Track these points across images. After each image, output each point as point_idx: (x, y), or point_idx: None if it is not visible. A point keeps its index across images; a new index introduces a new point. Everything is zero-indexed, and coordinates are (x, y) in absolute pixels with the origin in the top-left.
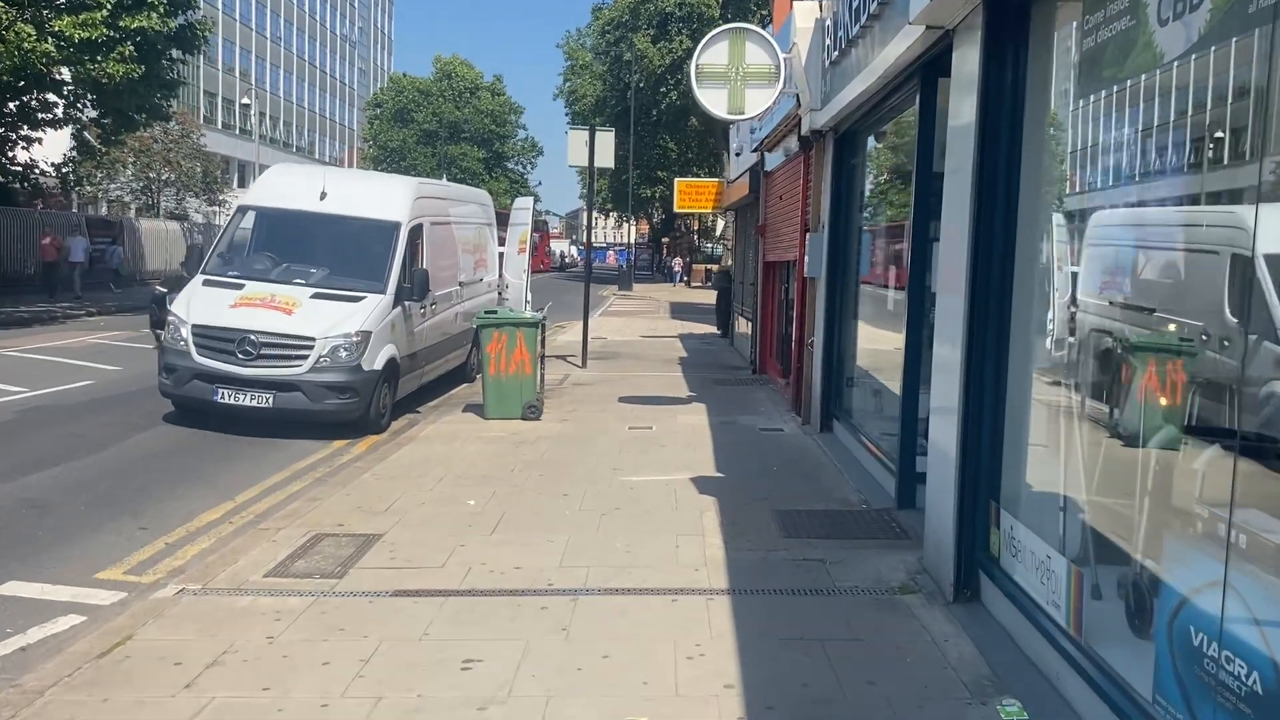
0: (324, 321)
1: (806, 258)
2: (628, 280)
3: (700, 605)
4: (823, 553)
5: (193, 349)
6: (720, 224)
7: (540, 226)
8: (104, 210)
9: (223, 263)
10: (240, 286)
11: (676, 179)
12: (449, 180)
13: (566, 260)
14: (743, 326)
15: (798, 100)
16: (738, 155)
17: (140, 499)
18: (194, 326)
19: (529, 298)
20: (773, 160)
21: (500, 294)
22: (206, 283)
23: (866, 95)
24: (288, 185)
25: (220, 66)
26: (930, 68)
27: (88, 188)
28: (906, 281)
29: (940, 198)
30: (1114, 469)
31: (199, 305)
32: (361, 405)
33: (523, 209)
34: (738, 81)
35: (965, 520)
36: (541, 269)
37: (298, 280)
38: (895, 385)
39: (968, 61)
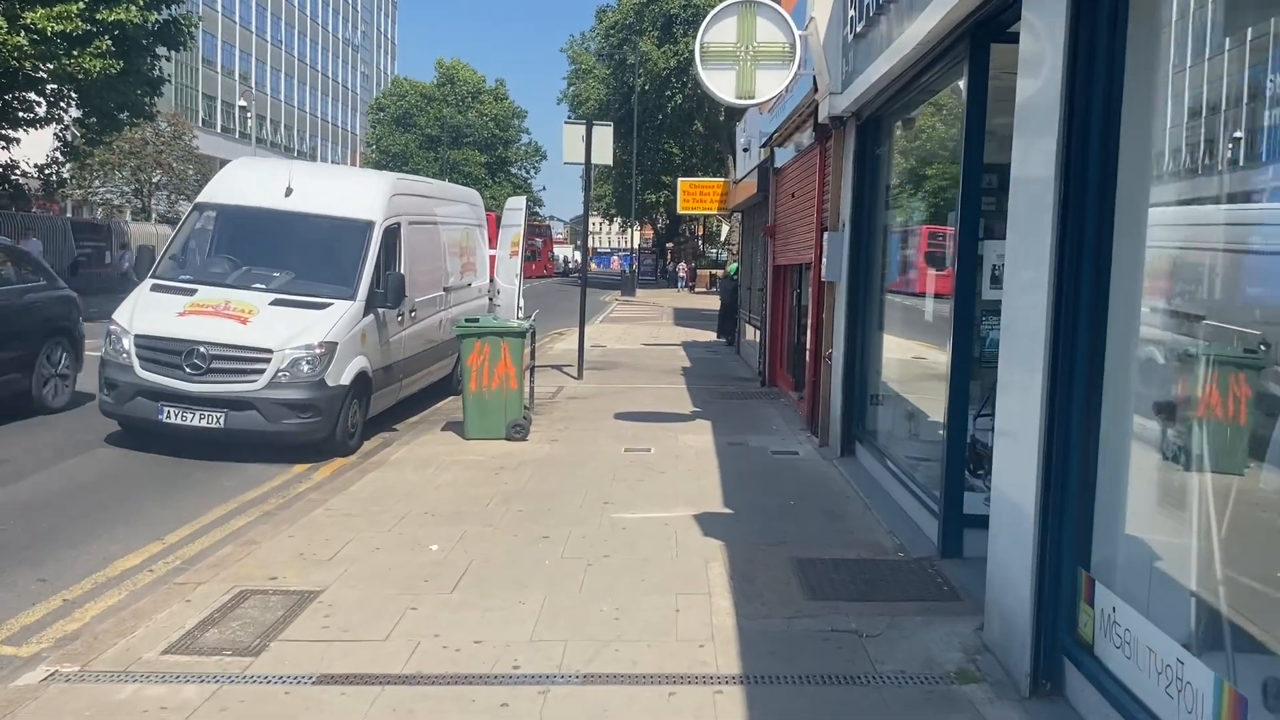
0: (284, 331)
1: (824, 260)
2: (631, 286)
3: (705, 701)
4: (857, 621)
5: (136, 362)
6: (725, 229)
7: (544, 232)
8: (98, 214)
9: (175, 266)
10: (192, 292)
11: (680, 179)
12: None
13: (570, 265)
14: (750, 334)
15: (814, 83)
16: (745, 151)
17: (46, 543)
18: (137, 337)
19: (522, 304)
20: (783, 155)
21: (491, 300)
22: (155, 288)
23: (898, 71)
24: (249, 181)
25: (220, 70)
26: (982, 30)
27: (77, 190)
28: (952, 287)
29: (991, 189)
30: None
31: (144, 313)
32: (325, 425)
33: (515, 209)
34: (747, 62)
35: (1045, 590)
36: (545, 274)
37: (257, 285)
38: (932, 406)
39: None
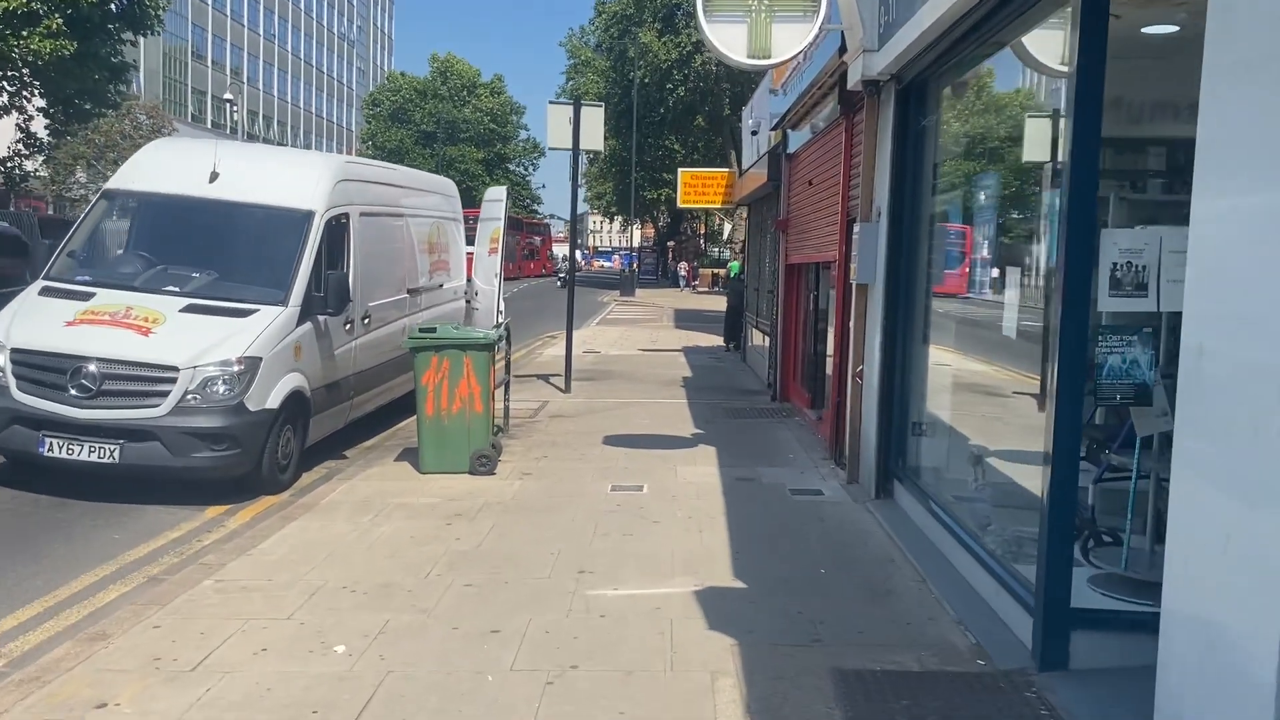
0: (194, 344)
1: (855, 258)
2: (630, 285)
3: None
4: None
5: (12, 382)
6: (727, 228)
7: (543, 230)
8: (76, 210)
9: (73, 265)
10: (88, 296)
11: (680, 170)
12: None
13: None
14: (758, 339)
15: (842, 41)
16: (754, 134)
17: None
18: (13, 351)
19: (502, 307)
20: (798, 139)
21: (469, 302)
22: (45, 291)
23: (960, 11)
24: (169, 164)
25: (210, 64)
26: None
27: (51, 185)
28: (1061, 292)
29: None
30: None
31: (25, 322)
32: (246, 458)
33: (494, 200)
34: (761, 13)
35: None
36: (544, 273)
37: (170, 288)
38: (1003, 445)
39: None
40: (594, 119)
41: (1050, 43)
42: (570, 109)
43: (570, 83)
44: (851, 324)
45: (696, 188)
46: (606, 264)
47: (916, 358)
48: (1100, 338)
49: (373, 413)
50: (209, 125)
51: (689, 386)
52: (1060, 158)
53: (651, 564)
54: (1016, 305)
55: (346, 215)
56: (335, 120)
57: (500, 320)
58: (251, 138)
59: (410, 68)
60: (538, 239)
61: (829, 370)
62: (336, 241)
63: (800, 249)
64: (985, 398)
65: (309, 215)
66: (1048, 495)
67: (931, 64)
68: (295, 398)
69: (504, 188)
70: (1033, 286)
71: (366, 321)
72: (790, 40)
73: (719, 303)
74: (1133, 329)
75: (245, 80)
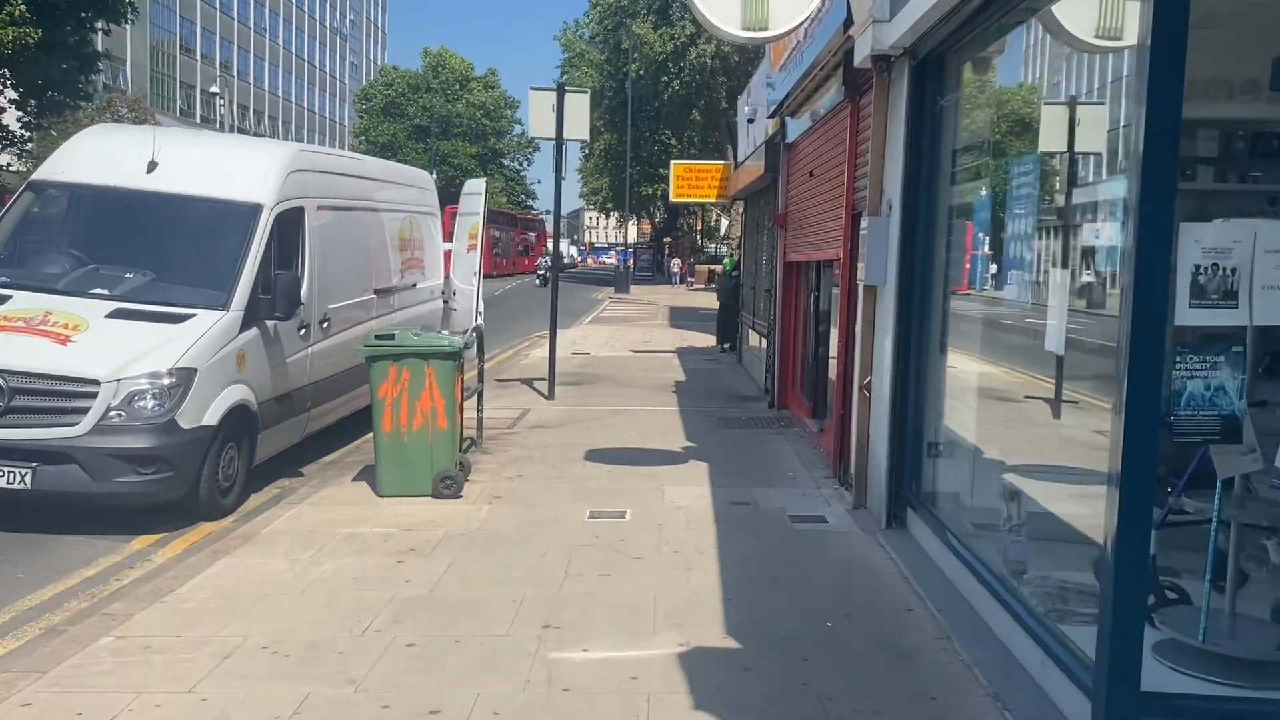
0: (119, 354)
1: (863, 256)
2: (625, 282)
3: None
4: None
5: None
6: (724, 223)
7: (538, 226)
8: None
9: None
10: (3, 300)
11: (673, 162)
12: (439, 177)
13: (565, 260)
14: (755, 340)
15: (848, 13)
16: (750, 122)
17: None
18: None
19: (481, 308)
20: (797, 127)
21: (446, 303)
22: None
23: None
24: (102, 153)
25: (199, 57)
26: None
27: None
28: (1132, 301)
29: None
30: None
31: None
32: (179, 482)
33: (473, 193)
34: None
35: None
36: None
37: (97, 290)
38: (1045, 474)
39: None
40: (579, 106)
41: (1085, 10)
42: (554, 95)
43: (565, 76)
44: (858, 329)
45: (690, 181)
46: (604, 259)
47: (933, 368)
48: (1178, 359)
49: (337, 424)
50: (198, 120)
51: (681, 392)
52: (1102, 143)
53: (630, 615)
54: (1062, 311)
55: (301, 209)
56: (327, 115)
57: (478, 322)
58: (241, 133)
59: (404, 62)
60: (532, 235)
61: (831, 376)
62: (290, 238)
63: (800, 246)
64: (1015, 416)
65: (256, 209)
66: (1114, 551)
67: (951, 35)
68: (238, 412)
69: (483, 180)
70: (1098, 288)
71: (325, 326)
72: (790, 11)
73: (715, 300)
74: (1218, 347)
75: (235, 74)
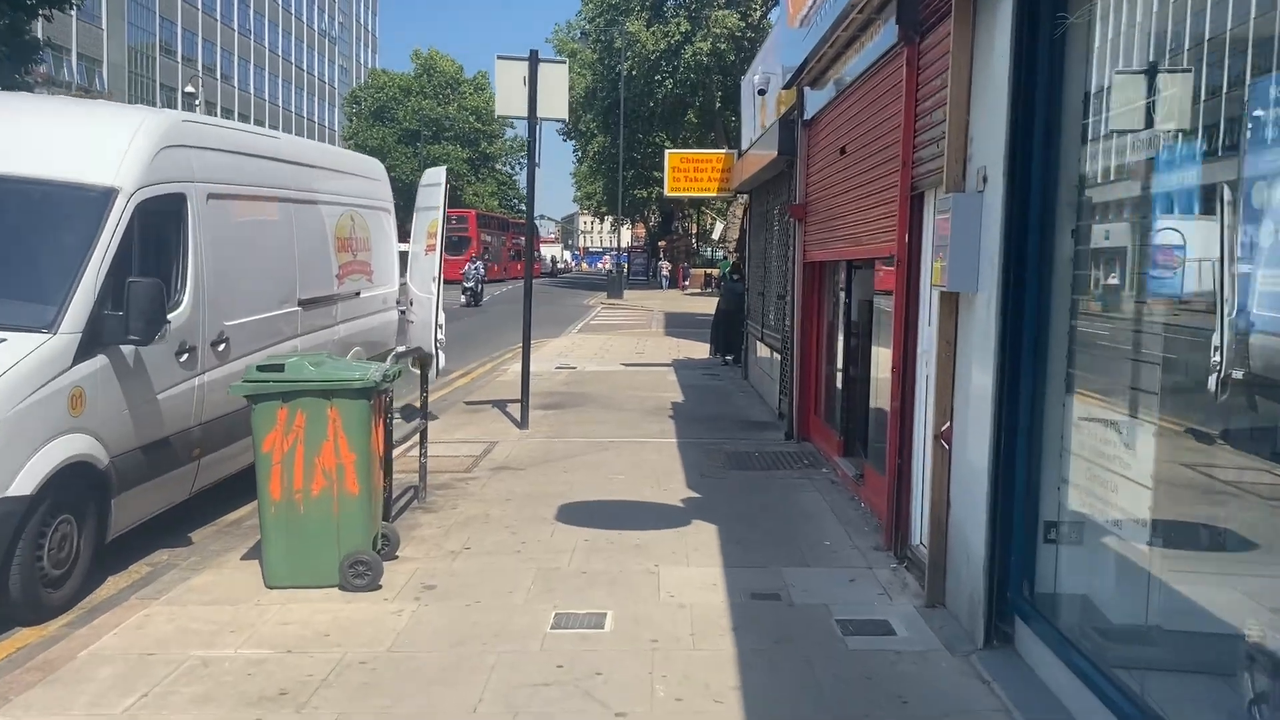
0: None
1: (942, 250)
2: (618, 287)
3: None
4: None
5: None
6: (719, 226)
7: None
8: None
9: None
10: None
11: (668, 151)
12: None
13: (559, 265)
14: (762, 351)
15: None
16: (761, 93)
17: None
18: None
19: (442, 321)
20: (819, 98)
21: (404, 314)
22: None
23: None
24: None
25: (180, 59)
26: None
27: None
28: None
29: None
30: None
31: None
32: None
33: (432, 185)
34: None
35: None
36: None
37: None
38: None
39: None
40: (555, 78)
41: None
42: (525, 66)
43: None
44: (933, 353)
45: (687, 172)
46: (592, 266)
47: (1053, 414)
48: None
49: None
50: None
51: (680, 417)
52: None
53: None
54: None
55: (182, 196)
56: (316, 119)
57: (439, 336)
58: None
59: (395, 65)
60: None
61: (874, 405)
62: (165, 235)
63: (826, 242)
64: (1202, 489)
65: (108, 194)
66: None
67: None
68: (74, 472)
69: (443, 169)
70: None
71: (221, 348)
72: None
73: (712, 305)
74: None
75: (220, 77)
